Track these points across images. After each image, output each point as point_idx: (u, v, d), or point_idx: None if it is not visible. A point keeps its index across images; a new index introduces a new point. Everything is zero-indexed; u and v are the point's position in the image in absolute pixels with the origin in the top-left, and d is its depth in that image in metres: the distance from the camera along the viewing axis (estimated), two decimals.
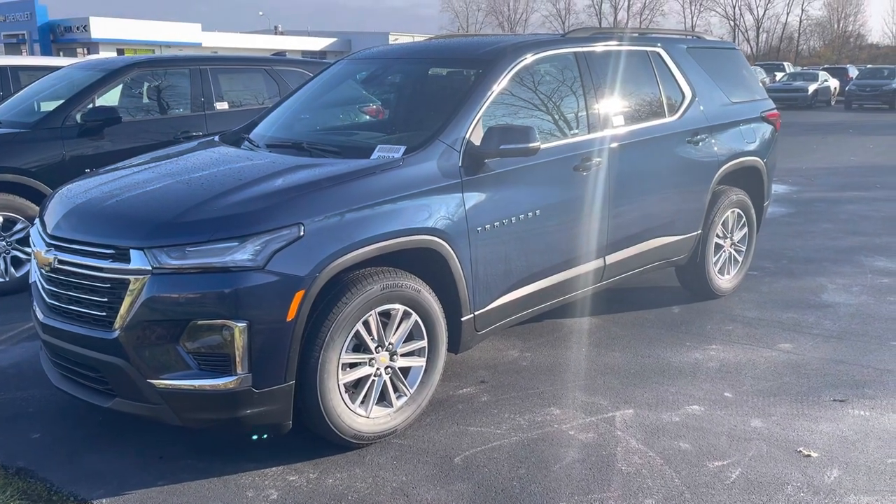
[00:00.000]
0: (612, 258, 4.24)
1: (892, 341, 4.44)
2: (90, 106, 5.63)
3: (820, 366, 4.09)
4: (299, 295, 2.81)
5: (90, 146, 5.56)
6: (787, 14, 74.73)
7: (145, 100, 6.30)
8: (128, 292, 2.78)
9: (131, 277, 2.78)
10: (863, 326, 4.69)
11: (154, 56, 6.95)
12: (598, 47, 4.29)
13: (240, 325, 2.73)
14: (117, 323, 2.81)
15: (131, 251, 2.79)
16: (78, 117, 5.55)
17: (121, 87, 6.04)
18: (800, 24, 74.87)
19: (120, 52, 36.92)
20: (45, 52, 38.50)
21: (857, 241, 7.01)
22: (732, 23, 74.24)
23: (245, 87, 6.66)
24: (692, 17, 74.07)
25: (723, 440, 3.28)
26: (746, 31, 74.61)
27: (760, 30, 74.87)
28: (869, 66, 38.58)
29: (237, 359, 2.76)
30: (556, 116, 4.02)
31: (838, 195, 9.61)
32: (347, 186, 3.07)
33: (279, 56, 7.60)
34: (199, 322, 2.75)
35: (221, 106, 6.32)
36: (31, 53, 36.87)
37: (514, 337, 4.48)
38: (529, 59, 3.87)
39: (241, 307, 2.73)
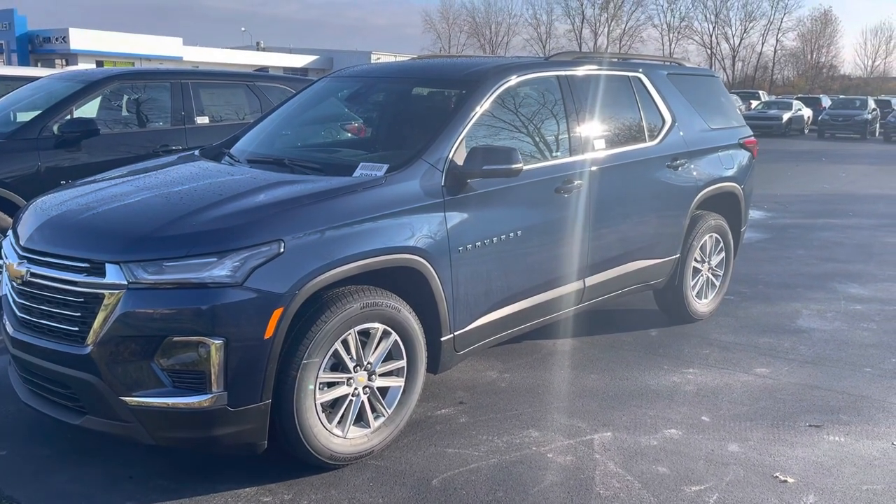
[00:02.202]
0: (591, 280, 4.25)
1: (867, 367, 4.49)
2: (68, 117, 5.56)
3: (796, 391, 4.11)
4: (278, 312, 2.78)
5: (67, 158, 5.48)
6: (763, 44, 76.06)
7: (125, 112, 6.22)
8: (102, 307, 2.72)
9: (106, 292, 2.72)
10: (837, 352, 4.74)
11: (134, 69, 6.88)
12: (581, 71, 4.33)
13: (216, 342, 2.69)
14: (90, 338, 2.75)
15: (107, 265, 2.74)
16: (55, 128, 5.47)
17: (100, 99, 5.97)
18: (774, 54, 76.49)
19: (99, 63, 36.62)
20: (24, 62, 38.09)
21: (831, 267, 7.11)
22: (709, 51, 75.63)
23: (226, 102, 6.61)
24: (670, 45, 75.34)
25: (700, 464, 3.27)
26: (723, 59, 76.04)
27: (736, 58, 76.37)
28: (841, 96, 39.50)
29: (213, 377, 2.71)
30: (539, 138, 4.04)
31: (812, 222, 9.77)
32: (329, 204, 3.05)
33: (261, 72, 7.55)
34: (175, 339, 2.70)
35: (202, 120, 6.27)
36: (9, 63, 36.45)
37: (493, 358, 4.46)
38: (513, 80, 3.90)
39: (218, 324, 2.69)
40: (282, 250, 2.81)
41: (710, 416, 3.76)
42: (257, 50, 59.27)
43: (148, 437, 2.81)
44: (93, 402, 2.82)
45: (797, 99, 35.42)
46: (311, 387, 2.93)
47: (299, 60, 55.52)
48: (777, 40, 75.52)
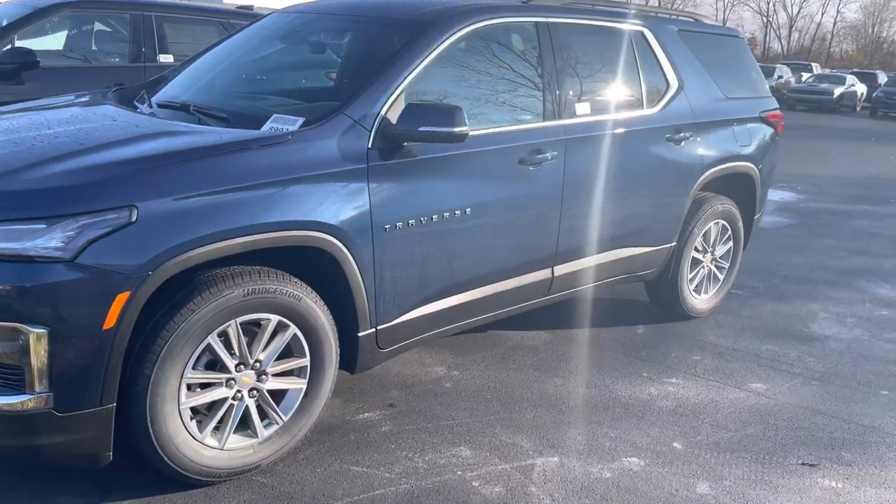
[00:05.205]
0: (562, 269, 3.61)
1: (883, 390, 3.81)
2: (8, 46, 5.01)
3: (793, 415, 3.47)
4: (122, 297, 2.21)
5: (6, 93, 4.94)
6: (822, 14, 72.71)
7: (77, 44, 5.67)
8: None
9: None
10: (851, 368, 4.06)
11: None
12: (568, 19, 3.62)
13: (37, 330, 2.13)
14: None
15: None
16: None
17: (47, 27, 5.40)
18: (834, 26, 72.78)
19: None
20: None
21: (861, 262, 6.34)
22: (765, 19, 72.33)
23: (195, 39, 5.98)
24: (724, 11, 72.17)
25: None
26: (779, 28, 72.73)
27: (793, 28, 72.94)
28: None
29: (34, 373, 2.17)
30: (504, 98, 3.36)
31: (849, 208, 8.90)
32: (208, 162, 2.45)
33: (244, 9, 6.90)
34: None
35: (165, 59, 5.68)
36: None
37: (445, 349, 3.87)
38: (478, 24, 3.22)
39: (40, 308, 2.14)
40: (133, 219, 2.23)
41: (682, 443, 3.15)
42: None
43: None
44: None
45: (852, 73, 33.46)
46: (173, 388, 2.38)
47: None
48: (838, 11, 72.20)
